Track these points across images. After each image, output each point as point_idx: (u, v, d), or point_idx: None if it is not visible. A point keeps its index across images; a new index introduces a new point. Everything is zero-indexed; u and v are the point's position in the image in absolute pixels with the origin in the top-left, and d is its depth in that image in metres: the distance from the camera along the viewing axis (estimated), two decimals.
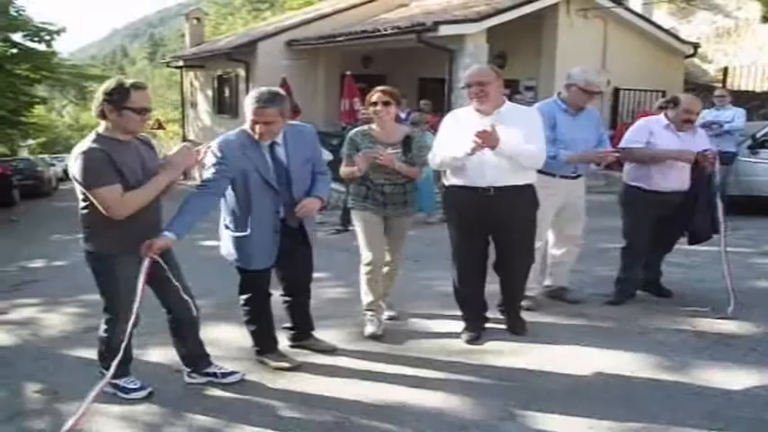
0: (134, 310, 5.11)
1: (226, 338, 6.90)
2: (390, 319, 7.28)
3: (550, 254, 7.72)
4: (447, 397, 5.46)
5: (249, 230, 5.84)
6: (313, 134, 6.23)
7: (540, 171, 6.72)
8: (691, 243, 7.72)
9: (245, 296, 6.14)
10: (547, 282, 7.82)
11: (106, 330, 5.50)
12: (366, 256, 6.86)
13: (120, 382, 5.55)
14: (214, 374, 5.87)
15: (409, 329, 7.08)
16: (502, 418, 5.09)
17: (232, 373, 5.91)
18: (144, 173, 5.23)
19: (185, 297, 5.64)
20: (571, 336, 6.66)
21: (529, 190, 6.43)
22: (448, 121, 6.71)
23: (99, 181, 4.95)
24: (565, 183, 7.29)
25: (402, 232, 7.10)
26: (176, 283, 5.53)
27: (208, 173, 5.74)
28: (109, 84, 5.11)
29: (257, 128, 5.64)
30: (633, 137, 7.38)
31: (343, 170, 6.82)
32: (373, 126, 6.89)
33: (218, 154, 5.70)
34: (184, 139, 35.38)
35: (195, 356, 5.91)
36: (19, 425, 5.30)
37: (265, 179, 5.77)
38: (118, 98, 5.00)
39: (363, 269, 6.92)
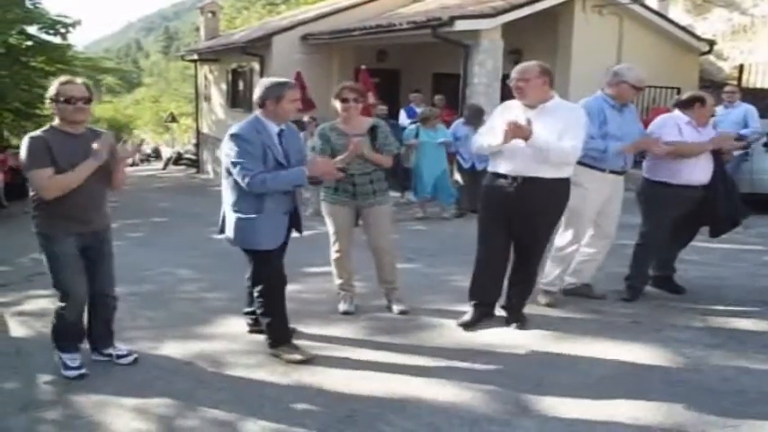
0: (78, 287, 5.86)
1: (238, 332, 6.92)
2: (402, 313, 7.31)
3: (580, 251, 7.63)
4: (460, 391, 5.46)
5: (263, 212, 5.99)
6: (301, 135, 6.63)
7: (590, 166, 7.01)
8: (713, 236, 7.77)
9: (261, 285, 6.17)
10: (571, 279, 7.74)
11: (58, 307, 5.98)
12: (333, 241, 7.43)
13: (63, 356, 6.01)
14: (110, 355, 6.29)
15: (423, 323, 7.06)
16: (515, 413, 5.08)
17: (127, 354, 6.32)
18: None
19: (106, 290, 6.20)
20: (585, 331, 6.65)
21: (559, 185, 6.50)
22: (497, 110, 6.97)
23: (33, 164, 5.48)
24: (612, 178, 7.32)
25: (379, 221, 7.30)
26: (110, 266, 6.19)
27: (245, 157, 5.87)
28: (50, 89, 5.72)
29: (295, 105, 6.10)
30: (666, 132, 7.36)
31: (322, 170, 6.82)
32: (338, 120, 7.20)
33: (241, 141, 5.90)
34: (198, 133, 35.45)
35: (105, 337, 6.35)
36: (32, 415, 5.32)
37: (279, 161, 6.00)
38: (54, 96, 5.60)
39: (333, 255, 7.50)
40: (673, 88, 18.31)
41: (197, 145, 36.44)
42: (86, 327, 6.20)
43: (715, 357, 6.02)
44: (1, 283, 9.58)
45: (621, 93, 7.26)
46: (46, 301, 8.47)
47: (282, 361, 6.10)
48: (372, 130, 7.06)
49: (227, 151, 5.95)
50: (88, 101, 5.65)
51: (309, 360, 6.11)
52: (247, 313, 6.86)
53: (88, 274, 5.95)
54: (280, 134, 6.09)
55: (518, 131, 6.11)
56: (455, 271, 7.32)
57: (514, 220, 6.58)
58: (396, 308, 7.39)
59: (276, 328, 6.26)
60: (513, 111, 6.55)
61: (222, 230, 6.30)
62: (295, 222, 6.35)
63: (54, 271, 5.83)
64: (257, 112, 6.11)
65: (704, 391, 5.36)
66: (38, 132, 5.65)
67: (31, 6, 28.09)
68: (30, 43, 29.44)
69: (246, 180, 5.80)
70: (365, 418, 5.06)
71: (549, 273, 7.51)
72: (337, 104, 7.10)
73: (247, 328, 6.87)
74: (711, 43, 20.87)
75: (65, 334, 6.02)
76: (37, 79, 30.14)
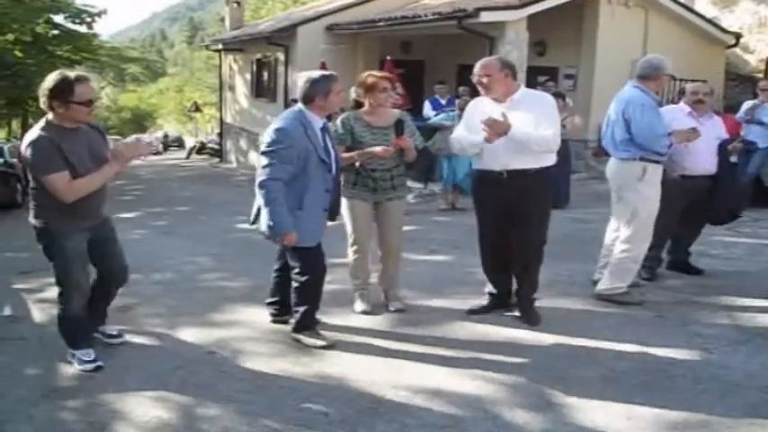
0: (86, 280, 5.87)
1: (260, 321, 6.91)
2: (397, 311, 7.15)
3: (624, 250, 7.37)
4: (483, 383, 5.43)
5: (303, 209, 5.99)
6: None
7: (656, 162, 7.09)
8: (711, 223, 8.21)
9: (305, 277, 6.18)
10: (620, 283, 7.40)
11: (61, 303, 5.86)
12: (352, 242, 7.08)
13: (77, 353, 5.88)
14: (103, 333, 6.40)
15: (446, 315, 7.01)
16: (539, 406, 5.05)
17: (118, 335, 6.47)
18: (92, 159, 5.54)
19: (125, 263, 6.21)
20: (609, 325, 6.61)
21: (544, 173, 6.52)
22: (469, 108, 6.92)
23: (49, 168, 5.29)
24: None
25: (395, 217, 7.13)
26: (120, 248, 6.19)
27: (277, 158, 5.88)
28: (52, 79, 5.37)
29: (339, 98, 6.20)
30: (676, 122, 7.49)
31: (342, 156, 6.77)
32: (363, 110, 7.01)
33: (285, 138, 5.89)
34: (221, 122, 35.49)
35: (102, 316, 6.40)
36: (54, 402, 5.32)
37: (322, 158, 6.03)
38: (62, 93, 5.31)
39: (351, 255, 7.15)
40: (699, 81, 18.18)
41: (220, 134, 36.52)
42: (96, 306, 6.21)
43: (741, 353, 5.96)
44: (23, 270, 9.60)
45: (661, 84, 7.39)
46: None
47: (304, 351, 6.09)
48: (398, 124, 6.86)
49: (266, 140, 5.98)
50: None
51: (331, 346, 6.14)
52: (270, 303, 6.84)
53: (105, 257, 5.99)
54: (323, 129, 6.14)
55: (496, 126, 6.15)
56: (478, 263, 7.28)
57: (506, 213, 6.58)
58: (392, 306, 7.22)
59: (309, 316, 6.30)
60: (485, 106, 6.57)
61: (255, 221, 6.24)
62: (332, 211, 6.41)
63: (62, 266, 5.74)
64: (301, 105, 6.10)
65: (730, 387, 5.30)
66: (40, 132, 5.40)
67: None
68: (56, 32, 29.66)
69: (263, 180, 5.88)
70: (388, 410, 5.04)
71: (618, 280, 7.29)
72: (361, 93, 6.98)
73: (270, 318, 6.84)
74: (738, 36, 20.76)
75: (74, 330, 5.95)
76: (62, 68, 30.33)
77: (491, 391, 5.32)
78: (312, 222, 6.06)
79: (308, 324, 6.28)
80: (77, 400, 5.37)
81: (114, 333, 6.43)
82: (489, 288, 7.03)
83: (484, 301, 7.04)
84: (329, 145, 6.17)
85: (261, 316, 6.96)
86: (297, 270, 6.18)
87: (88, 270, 5.91)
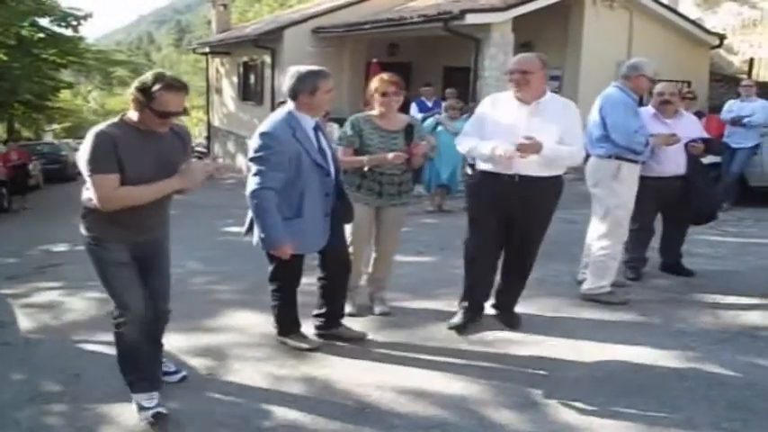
0: (136, 298, 4.94)
1: (249, 324, 6.93)
2: (382, 314, 7.10)
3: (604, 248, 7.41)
4: (469, 384, 5.45)
5: (303, 216, 5.74)
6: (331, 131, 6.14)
7: (632, 161, 7.15)
8: (693, 223, 8.25)
9: (276, 282, 6.07)
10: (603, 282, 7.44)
11: (115, 327, 5.08)
12: (348, 244, 6.66)
13: (136, 396, 5.06)
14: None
15: (432, 317, 7.02)
16: (524, 406, 5.07)
17: (175, 371, 5.67)
18: (157, 168, 4.75)
19: (166, 290, 5.36)
20: (594, 324, 6.65)
21: (556, 181, 6.27)
22: (486, 106, 6.49)
23: (97, 167, 4.57)
24: (638, 170, 7.42)
25: (396, 222, 7.00)
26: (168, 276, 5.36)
27: (266, 165, 5.58)
28: (145, 77, 4.66)
29: (330, 95, 5.84)
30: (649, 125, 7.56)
31: (347, 159, 6.59)
32: (374, 113, 6.75)
33: (272, 143, 5.61)
34: (209, 126, 35.47)
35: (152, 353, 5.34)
36: (40, 406, 5.33)
37: (316, 161, 5.75)
38: (145, 96, 4.57)
39: None
40: (683, 82, 18.27)
41: (208, 138, 36.46)
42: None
43: (725, 351, 6.00)
44: (10, 275, 9.60)
45: (640, 85, 7.31)
46: (55, 294, 8.54)
47: (291, 354, 6.08)
48: (408, 129, 6.72)
49: (253, 146, 5.71)
50: (183, 112, 4.77)
51: (315, 349, 6.12)
52: (317, 315, 6.46)
53: (145, 279, 5.06)
54: (316, 129, 5.88)
55: (527, 149, 5.84)
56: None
57: (510, 218, 6.30)
58: (378, 309, 7.16)
59: (284, 318, 6.21)
60: (504, 105, 6.28)
61: (248, 232, 5.95)
62: (344, 214, 6.18)
63: (105, 281, 4.98)
64: (290, 106, 5.81)
65: (714, 384, 5.34)
66: (106, 128, 4.66)
67: None
68: (41, 35, 29.64)
69: (253, 189, 5.56)
70: (376, 412, 5.05)
71: (600, 279, 7.32)
72: (380, 99, 6.68)
73: (314, 332, 6.45)
74: (722, 37, 20.86)
75: (133, 363, 5.06)
76: (48, 71, 30.27)
77: (476, 391, 5.34)
78: (314, 230, 5.82)
79: (286, 328, 6.26)
80: (63, 404, 5.37)
81: (171, 369, 5.68)
82: (463, 303, 6.70)
83: (458, 316, 6.68)
84: (324, 145, 5.91)
85: (248, 319, 6.99)
86: (270, 276, 6.11)
87: (141, 287, 4.99)
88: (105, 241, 4.89)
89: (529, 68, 6.11)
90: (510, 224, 6.34)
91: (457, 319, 6.64)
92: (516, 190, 6.10)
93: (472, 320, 6.65)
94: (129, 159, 4.61)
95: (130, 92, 4.68)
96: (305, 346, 6.15)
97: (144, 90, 4.56)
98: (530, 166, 6.02)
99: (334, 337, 6.36)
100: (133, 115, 4.70)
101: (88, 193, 4.77)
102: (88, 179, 4.64)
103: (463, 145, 6.46)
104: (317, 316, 6.43)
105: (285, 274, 6.04)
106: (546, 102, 6.18)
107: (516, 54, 7.52)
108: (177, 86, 4.64)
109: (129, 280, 4.94)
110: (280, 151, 5.59)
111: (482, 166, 6.36)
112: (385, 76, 6.81)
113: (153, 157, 4.74)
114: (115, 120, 4.79)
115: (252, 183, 5.59)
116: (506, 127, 6.08)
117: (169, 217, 5.26)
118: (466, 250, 6.62)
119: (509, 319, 6.71)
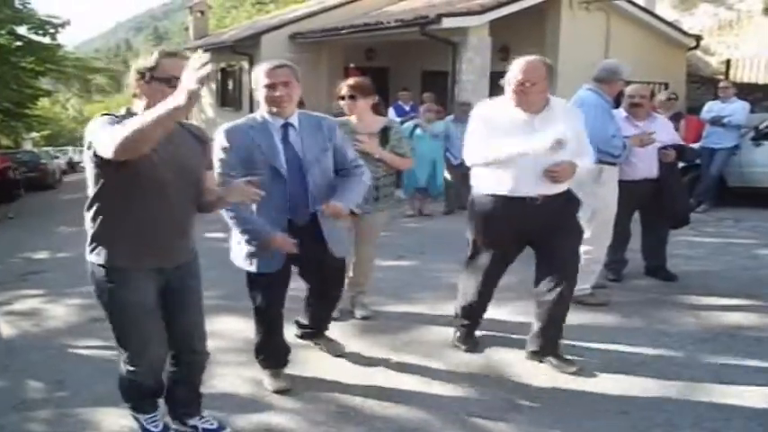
0: (156, 347, 4.34)
1: (232, 329, 6.92)
2: (363, 318, 7.12)
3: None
4: (453, 387, 5.49)
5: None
6: (333, 127, 5.42)
7: (611, 164, 7.13)
8: (671, 227, 8.32)
9: (254, 307, 5.45)
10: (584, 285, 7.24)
11: (123, 364, 4.41)
12: None
13: (139, 417, 4.63)
14: (195, 428, 4.80)
15: (414, 320, 7.08)
16: (507, 409, 5.10)
17: (218, 428, 4.80)
18: (175, 168, 4.11)
19: (204, 329, 4.74)
20: (575, 326, 6.64)
21: (571, 195, 5.75)
22: (483, 114, 5.68)
23: (103, 129, 3.74)
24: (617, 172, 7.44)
25: (373, 230, 6.96)
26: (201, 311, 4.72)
27: (222, 170, 4.96)
28: (140, 62, 4.13)
29: (277, 91, 5.00)
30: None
31: None
32: (351, 117, 6.68)
33: (226, 144, 4.99)
34: None
35: (189, 402, 4.85)
36: (23, 414, 5.32)
37: (273, 166, 5.00)
38: (149, 69, 4.02)
39: None
40: (661, 84, 18.41)
41: None
42: (165, 385, 4.64)
43: (706, 351, 6.06)
44: None
45: (616, 89, 7.29)
46: (37, 301, 8.51)
47: None
48: (384, 132, 6.69)
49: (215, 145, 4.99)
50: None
51: (285, 392, 5.51)
52: (299, 324, 6.19)
53: (167, 323, 4.36)
54: (285, 127, 5.10)
55: (565, 175, 5.40)
56: (445, 268, 7.31)
57: (526, 239, 5.78)
58: (359, 313, 7.18)
59: (262, 346, 5.62)
60: (509, 115, 5.49)
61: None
62: (320, 239, 5.25)
63: (118, 324, 4.23)
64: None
65: (695, 385, 5.40)
66: (113, 113, 4.08)
67: (20, 6, 28.09)
68: (19, 43, 29.44)
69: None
70: (358, 415, 5.08)
71: (582, 282, 6.82)
72: (339, 103, 6.67)
73: (297, 333, 6.21)
74: (698, 38, 20.99)
75: (137, 394, 4.55)
76: (26, 79, 30.10)
77: (460, 393, 5.38)
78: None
79: (263, 357, 5.68)
80: (47, 410, 5.38)
81: (213, 426, 4.82)
82: (464, 321, 6.30)
83: (460, 335, 6.34)
84: (298, 149, 5.10)
85: (230, 324, 6.98)
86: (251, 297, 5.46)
87: (163, 331, 4.35)
88: (125, 271, 4.09)
89: (533, 78, 5.43)
90: (538, 248, 5.80)
91: (465, 338, 6.32)
92: (539, 212, 5.50)
93: (476, 339, 6.39)
94: (142, 158, 3.74)
95: (132, 80, 4.12)
96: (272, 387, 5.56)
97: (146, 67, 4.02)
98: (551, 185, 5.45)
99: (314, 344, 6.29)
100: (139, 107, 4.08)
101: (96, 208, 4.08)
102: (94, 145, 3.78)
103: (473, 158, 5.69)
104: (300, 325, 6.19)
105: (262, 298, 5.35)
106: (551, 108, 5.53)
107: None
108: (173, 53, 4.12)
109: (154, 325, 4.27)
110: (229, 150, 4.99)
111: (491, 190, 5.63)
112: (349, 81, 6.76)
113: (172, 149, 4.08)
114: (121, 112, 4.14)
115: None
116: (517, 143, 5.35)
117: (194, 235, 4.60)
118: (470, 273, 6.10)
119: (556, 353, 5.91)
